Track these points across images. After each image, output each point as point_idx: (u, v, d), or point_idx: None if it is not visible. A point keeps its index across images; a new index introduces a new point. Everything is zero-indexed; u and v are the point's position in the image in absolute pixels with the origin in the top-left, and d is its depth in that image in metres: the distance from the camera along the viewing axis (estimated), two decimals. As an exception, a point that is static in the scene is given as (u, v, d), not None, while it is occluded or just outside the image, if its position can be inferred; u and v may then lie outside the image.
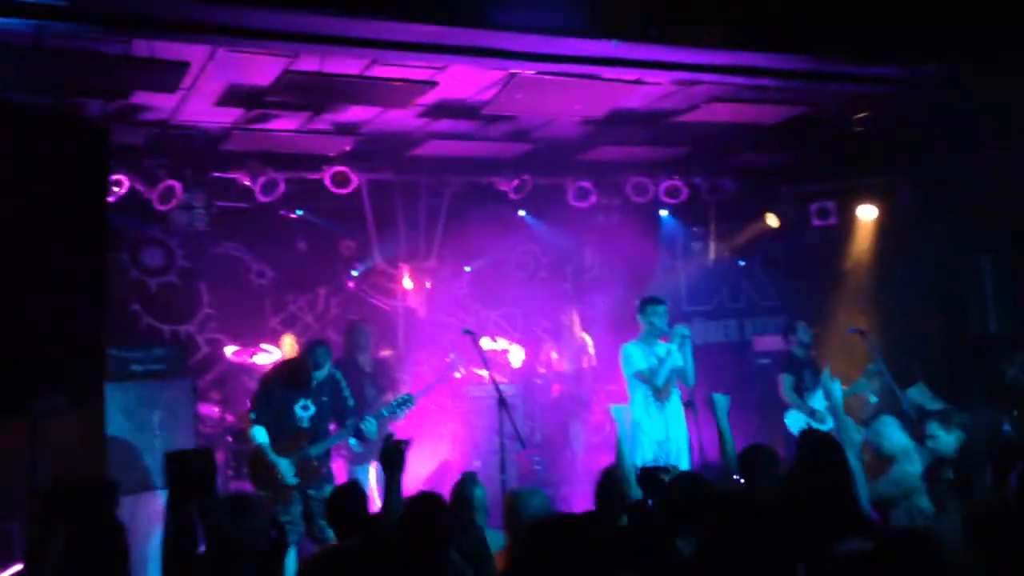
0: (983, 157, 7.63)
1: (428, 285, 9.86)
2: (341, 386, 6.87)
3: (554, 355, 9.56)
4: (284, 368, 6.96)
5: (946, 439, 5.51)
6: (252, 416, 6.58)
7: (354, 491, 4.54)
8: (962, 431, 5.55)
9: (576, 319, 9.47)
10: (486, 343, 8.67)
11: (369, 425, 6.70)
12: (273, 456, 6.46)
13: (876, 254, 9.62)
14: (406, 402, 7.04)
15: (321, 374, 6.72)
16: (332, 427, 6.82)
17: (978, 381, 7.88)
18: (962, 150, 7.69)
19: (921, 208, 8.83)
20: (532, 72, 6.38)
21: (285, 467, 6.45)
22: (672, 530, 3.94)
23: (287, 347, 8.62)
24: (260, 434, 6.50)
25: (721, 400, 5.41)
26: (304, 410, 6.63)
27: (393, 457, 4.33)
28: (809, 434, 4.50)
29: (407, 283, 9.82)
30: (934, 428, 5.60)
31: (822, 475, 4.18)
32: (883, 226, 9.53)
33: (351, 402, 6.89)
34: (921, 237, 8.74)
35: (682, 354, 7.06)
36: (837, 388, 5.35)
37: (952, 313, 8.90)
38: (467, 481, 5.19)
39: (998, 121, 7.19)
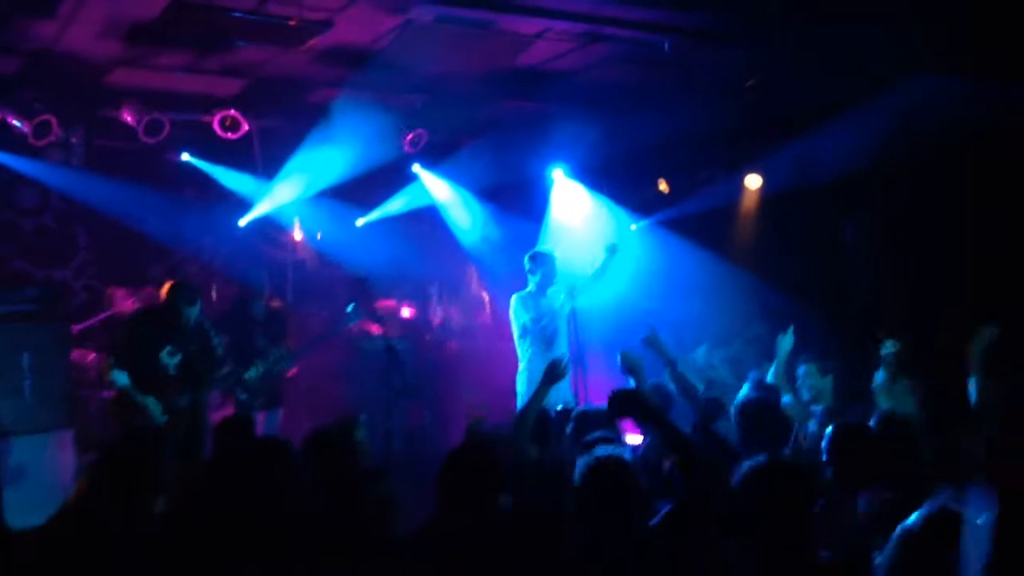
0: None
1: (319, 236, 9.70)
2: (210, 335, 6.62)
3: (452, 312, 9.58)
4: (148, 312, 6.73)
5: (821, 382, 5.83)
6: (111, 361, 6.26)
7: (243, 423, 4.45)
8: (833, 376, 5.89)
9: (475, 275, 9.49)
10: (377, 296, 8.61)
11: (254, 372, 6.57)
12: (139, 396, 6.17)
13: (759, 223, 9.90)
14: (284, 358, 6.93)
15: (194, 312, 6.42)
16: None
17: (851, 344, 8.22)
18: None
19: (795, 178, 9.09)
20: (430, 18, 6.32)
21: (152, 405, 6.17)
22: None
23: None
24: (121, 377, 6.18)
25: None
26: (170, 356, 6.34)
27: None
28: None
29: (297, 234, 9.64)
30: (811, 370, 5.93)
31: None
32: (765, 195, 9.81)
33: (220, 351, 6.67)
34: (795, 205, 9.05)
35: (570, 303, 7.13)
36: None
37: (826, 279, 9.24)
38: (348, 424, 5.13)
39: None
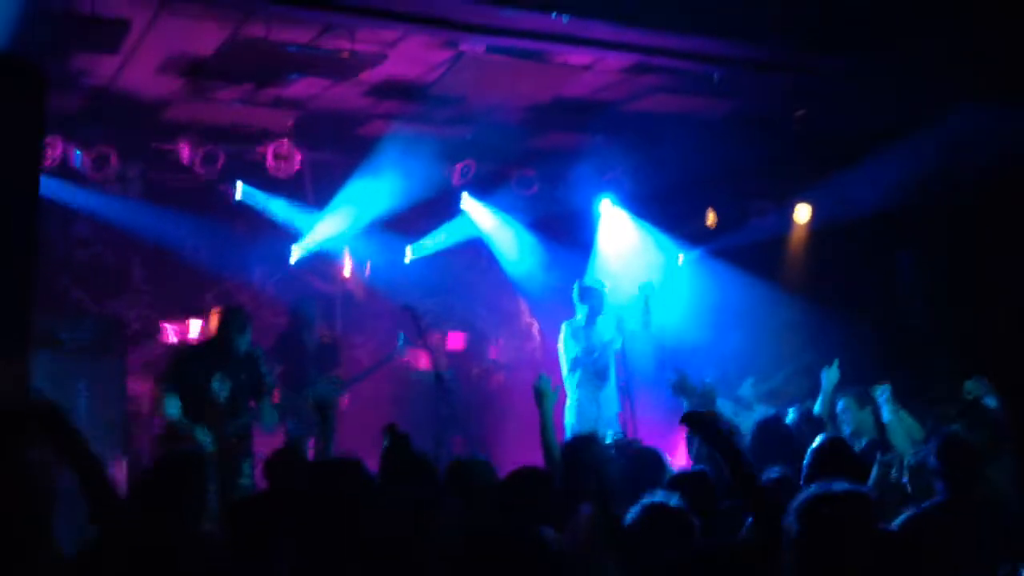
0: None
1: (368, 268, 9.76)
2: (260, 363, 6.62)
3: (500, 343, 9.58)
4: (200, 342, 6.78)
5: (860, 415, 5.74)
6: (163, 389, 6.26)
7: (292, 452, 4.47)
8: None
9: (524, 307, 9.48)
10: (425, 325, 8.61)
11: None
12: (189, 425, 6.14)
13: (808, 254, 9.79)
14: (335, 387, 6.95)
15: (245, 341, 6.47)
16: (252, 403, 6.59)
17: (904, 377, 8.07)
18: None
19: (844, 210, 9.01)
20: (481, 50, 6.38)
21: (202, 435, 6.14)
22: None
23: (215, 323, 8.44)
24: (172, 406, 6.16)
25: None
26: (220, 385, 6.35)
27: (325, 400, 4.26)
28: None
29: (347, 266, 9.71)
30: (850, 403, 5.84)
31: None
32: (814, 227, 9.71)
33: (269, 379, 6.67)
34: (844, 237, 8.95)
35: (620, 337, 7.11)
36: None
37: (877, 310, 9.11)
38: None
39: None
